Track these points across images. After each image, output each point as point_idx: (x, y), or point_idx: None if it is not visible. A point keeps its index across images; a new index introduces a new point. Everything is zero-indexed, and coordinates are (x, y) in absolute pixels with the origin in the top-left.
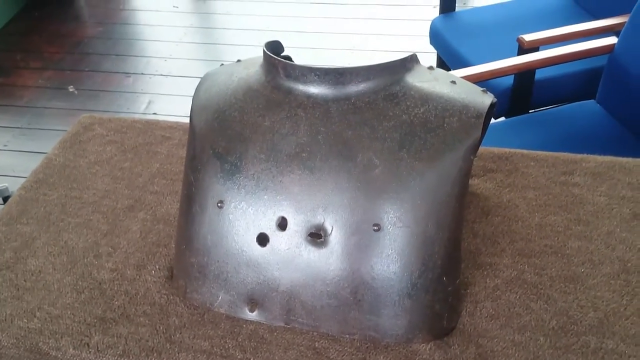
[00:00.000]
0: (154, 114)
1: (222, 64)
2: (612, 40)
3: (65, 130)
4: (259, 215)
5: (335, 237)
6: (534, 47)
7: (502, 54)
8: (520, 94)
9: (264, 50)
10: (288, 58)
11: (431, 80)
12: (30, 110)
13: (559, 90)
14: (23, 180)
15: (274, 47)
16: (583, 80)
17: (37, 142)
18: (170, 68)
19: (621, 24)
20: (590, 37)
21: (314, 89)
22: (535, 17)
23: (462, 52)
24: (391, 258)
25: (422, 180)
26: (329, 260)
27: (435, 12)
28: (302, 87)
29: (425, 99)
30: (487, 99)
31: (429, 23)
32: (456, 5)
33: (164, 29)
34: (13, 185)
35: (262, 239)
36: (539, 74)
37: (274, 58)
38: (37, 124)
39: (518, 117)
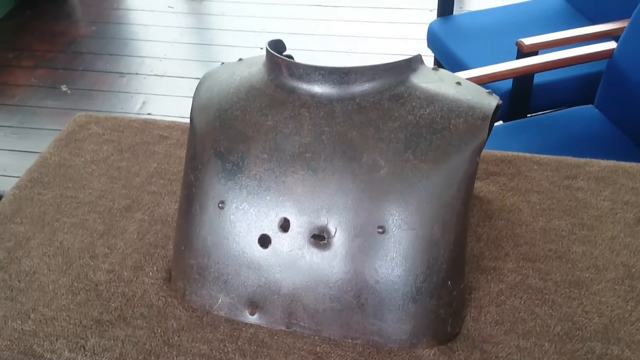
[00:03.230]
0: (149, 114)
1: (223, 63)
2: (611, 45)
3: (57, 130)
4: (260, 216)
5: (339, 239)
6: (533, 51)
7: (501, 57)
8: (518, 98)
9: (267, 49)
10: (290, 57)
11: (436, 81)
12: (22, 109)
13: (558, 95)
14: (14, 180)
15: (276, 46)
16: (581, 85)
17: (28, 141)
18: (165, 68)
19: (620, 29)
20: (589, 42)
21: (318, 88)
22: (533, 22)
23: (460, 56)
24: (396, 261)
25: (428, 182)
26: (332, 263)
27: (431, 16)
28: (306, 87)
29: (431, 99)
30: (493, 101)
31: (425, 26)
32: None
33: (159, 29)
34: (4, 185)
35: (264, 241)
36: (538, 78)
37: (278, 56)
38: (29, 123)
39: (516, 121)
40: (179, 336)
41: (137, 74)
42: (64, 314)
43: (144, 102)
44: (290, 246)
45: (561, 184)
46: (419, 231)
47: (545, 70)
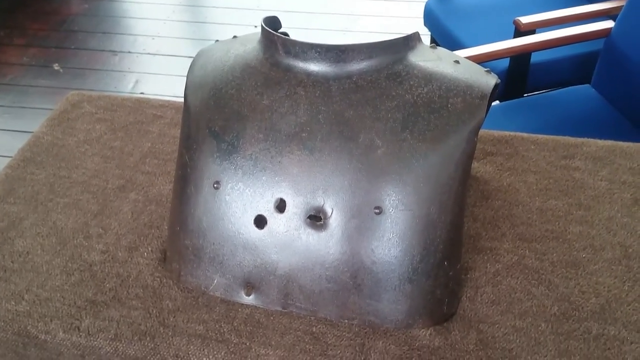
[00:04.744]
0: (142, 93)
1: (217, 40)
2: (608, 24)
3: (50, 109)
4: (256, 197)
5: (336, 219)
6: (531, 29)
7: (498, 36)
8: (515, 77)
9: (262, 26)
10: (285, 34)
11: (434, 59)
12: (14, 88)
13: (555, 74)
14: (6, 159)
15: (272, 23)
16: (578, 65)
17: (21, 120)
18: (158, 47)
19: (618, 8)
20: (586, 21)
21: (315, 67)
22: (530, 0)
23: (456, 34)
24: (392, 242)
25: (426, 162)
26: (328, 244)
27: None
28: (302, 65)
29: (429, 78)
30: (491, 80)
31: (422, 5)
32: None
33: (152, 6)
34: None
35: (260, 221)
36: (535, 57)
37: (273, 34)
38: (22, 102)
39: (513, 100)
40: (174, 317)
41: (129, 52)
42: (58, 295)
43: (136, 81)
44: (287, 227)
45: (558, 164)
46: (416, 212)
47: (542, 49)
